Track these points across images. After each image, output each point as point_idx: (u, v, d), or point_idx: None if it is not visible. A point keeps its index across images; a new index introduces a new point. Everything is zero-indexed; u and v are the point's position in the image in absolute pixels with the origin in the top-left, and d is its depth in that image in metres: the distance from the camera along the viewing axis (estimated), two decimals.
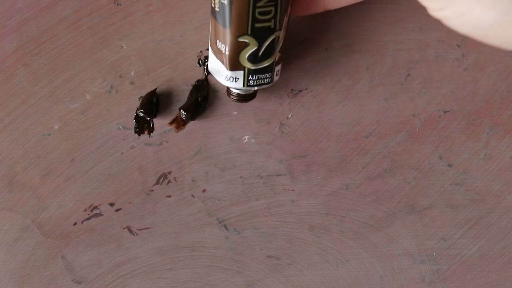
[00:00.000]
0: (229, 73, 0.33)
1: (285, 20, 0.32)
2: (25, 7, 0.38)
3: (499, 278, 0.38)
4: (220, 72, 0.34)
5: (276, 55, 0.33)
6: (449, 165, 0.38)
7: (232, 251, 0.38)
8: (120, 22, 0.38)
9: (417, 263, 0.38)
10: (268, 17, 0.31)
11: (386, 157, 0.38)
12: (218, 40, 0.32)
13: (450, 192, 0.38)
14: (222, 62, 0.33)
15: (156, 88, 0.38)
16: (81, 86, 0.38)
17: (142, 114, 0.38)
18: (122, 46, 0.38)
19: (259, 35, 0.32)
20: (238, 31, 0.31)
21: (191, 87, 0.38)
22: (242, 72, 0.33)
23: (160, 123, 0.38)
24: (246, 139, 0.38)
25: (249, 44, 0.32)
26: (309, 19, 0.38)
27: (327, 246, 0.38)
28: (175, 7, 0.38)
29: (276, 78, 0.35)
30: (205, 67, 0.38)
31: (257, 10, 0.30)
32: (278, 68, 0.34)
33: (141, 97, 0.38)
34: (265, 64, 0.33)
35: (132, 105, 0.38)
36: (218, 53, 0.33)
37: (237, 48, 0.32)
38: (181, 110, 0.37)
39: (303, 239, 0.38)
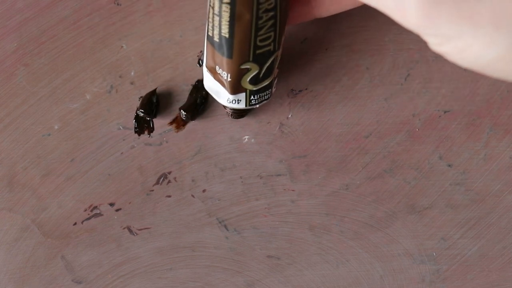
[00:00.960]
0: (231, 97, 0.34)
1: (283, 39, 0.32)
2: (25, 7, 0.38)
3: (499, 278, 0.38)
4: (220, 94, 0.34)
5: (275, 72, 0.34)
6: (449, 165, 0.38)
7: (232, 251, 0.38)
8: (120, 22, 0.38)
9: (417, 263, 0.38)
10: (268, 42, 0.31)
11: (386, 157, 0.38)
12: (217, 66, 0.32)
13: (450, 192, 0.38)
14: (223, 86, 0.33)
15: (156, 88, 0.38)
16: (81, 86, 0.38)
17: (142, 114, 0.38)
18: (122, 46, 0.38)
19: (260, 60, 0.32)
20: (240, 60, 0.31)
21: (191, 87, 0.38)
22: (244, 94, 0.33)
23: (160, 123, 0.38)
24: (246, 139, 0.38)
25: (250, 69, 0.32)
26: None
27: (327, 246, 0.38)
28: (175, 7, 0.38)
29: (273, 90, 0.35)
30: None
31: (258, 38, 0.30)
32: (275, 82, 0.35)
33: (141, 97, 0.38)
34: (266, 83, 0.33)
35: (132, 105, 0.38)
36: (216, 76, 0.33)
37: (239, 75, 0.32)
38: (181, 110, 0.37)
39: (303, 239, 0.38)
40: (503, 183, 0.38)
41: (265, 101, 0.35)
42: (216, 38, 0.30)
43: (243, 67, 0.31)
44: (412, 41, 0.38)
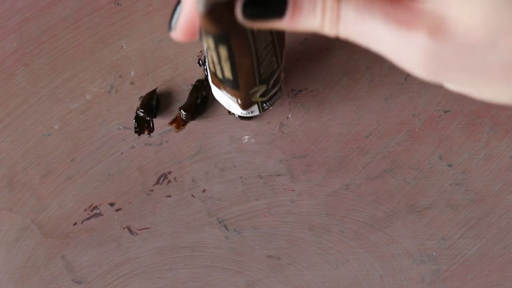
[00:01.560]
0: (244, 111, 0.34)
1: (284, 51, 0.32)
2: (25, 7, 0.38)
3: (499, 278, 0.38)
4: (232, 106, 0.34)
5: (282, 76, 0.34)
6: (449, 165, 0.38)
7: (232, 251, 0.38)
8: (120, 22, 0.38)
9: (417, 263, 0.38)
10: (271, 65, 0.31)
11: (386, 157, 0.38)
12: (224, 91, 0.32)
13: (450, 192, 0.38)
14: (235, 102, 0.33)
15: (156, 88, 0.38)
16: (81, 86, 0.38)
17: (142, 114, 0.38)
18: (122, 46, 0.38)
19: (267, 80, 0.31)
20: (247, 89, 0.31)
21: (191, 87, 0.38)
22: (256, 105, 0.34)
23: (160, 123, 0.38)
24: (246, 139, 0.38)
25: (258, 90, 0.32)
26: None
27: (327, 246, 0.38)
28: None
29: (282, 86, 0.36)
30: (205, 67, 0.38)
31: (261, 68, 0.30)
32: (283, 80, 0.35)
33: (141, 97, 0.38)
34: (275, 90, 0.34)
35: (132, 105, 0.38)
36: (226, 94, 0.33)
37: (249, 97, 0.32)
38: (181, 110, 0.37)
39: (303, 239, 0.38)
40: (503, 183, 0.38)
41: (277, 100, 0.35)
42: (219, 76, 0.30)
43: (251, 92, 0.31)
44: None
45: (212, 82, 0.34)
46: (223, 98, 0.34)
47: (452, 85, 0.25)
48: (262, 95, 0.33)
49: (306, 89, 0.38)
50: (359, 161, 0.38)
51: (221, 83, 0.31)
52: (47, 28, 0.38)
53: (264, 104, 0.34)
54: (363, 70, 0.38)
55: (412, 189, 0.38)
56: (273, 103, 0.35)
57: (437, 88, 0.38)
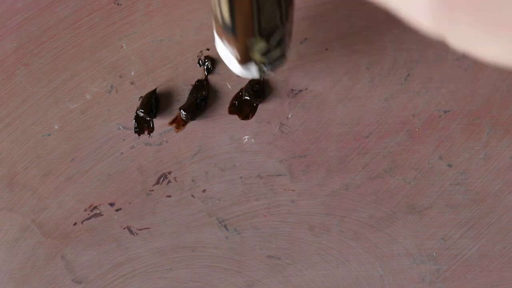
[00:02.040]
0: (242, 69, 0.33)
1: (290, 11, 0.32)
2: (25, 7, 0.38)
3: (499, 278, 0.38)
4: (232, 63, 0.34)
5: (288, 41, 0.33)
6: (449, 165, 0.38)
7: (232, 251, 0.38)
8: (120, 22, 0.38)
9: (417, 263, 0.38)
10: (273, 19, 0.30)
11: (386, 157, 0.38)
12: (225, 42, 0.32)
13: (450, 192, 0.38)
14: (233, 56, 0.33)
15: (156, 88, 0.38)
16: (81, 86, 0.38)
17: (142, 114, 0.38)
18: (122, 46, 0.38)
19: (267, 35, 0.31)
20: (245, 35, 0.31)
21: (191, 87, 0.38)
22: (254, 65, 0.33)
23: (160, 123, 0.38)
24: (246, 139, 0.38)
25: (257, 43, 0.32)
26: (309, 19, 0.38)
27: (327, 246, 0.38)
28: (175, 7, 0.38)
29: (287, 54, 0.34)
30: (205, 67, 0.38)
31: (261, 17, 0.30)
32: (288, 50, 0.34)
33: (141, 97, 0.38)
34: (277, 53, 0.33)
35: (132, 105, 0.38)
36: (226, 45, 0.33)
37: (247, 49, 0.32)
38: (181, 110, 0.37)
39: (303, 239, 0.38)
40: (503, 183, 0.38)
41: (278, 68, 0.34)
42: (219, 19, 0.31)
43: (249, 43, 0.31)
44: (412, 41, 0.38)
45: (216, 32, 0.33)
46: (224, 52, 0.34)
47: (458, 40, 0.24)
48: (262, 54, 0.32)
49: (306, 89, 0.38)
50: (359, 161, 0.38)
51: (221, 29, 0.31)
52: (47, 28, 0.38)
53: (264, 67, 0.33)
54: (363, 70, 0.38)
55: (412, 189, 0.38)
56: (274, 69, 0.34)
57: (437, 88, 0.38)
